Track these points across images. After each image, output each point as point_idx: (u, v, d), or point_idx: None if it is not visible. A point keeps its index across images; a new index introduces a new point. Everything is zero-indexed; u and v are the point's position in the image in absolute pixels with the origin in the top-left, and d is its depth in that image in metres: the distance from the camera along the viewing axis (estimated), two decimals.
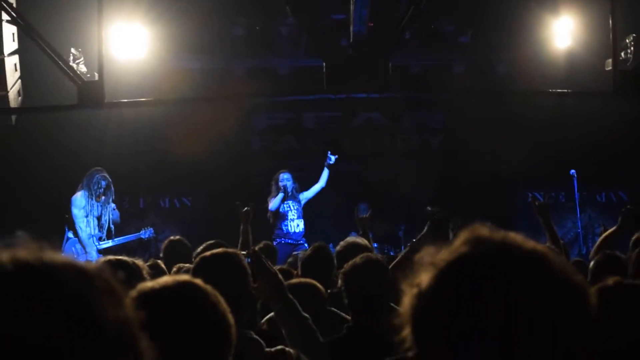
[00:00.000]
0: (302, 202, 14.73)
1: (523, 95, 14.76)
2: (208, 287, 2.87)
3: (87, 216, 13.59)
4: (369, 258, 5.40)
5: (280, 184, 14.54)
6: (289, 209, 14.55)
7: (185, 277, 3.10)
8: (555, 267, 1.70)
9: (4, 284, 1.41)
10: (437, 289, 1.68)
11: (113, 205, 13.84)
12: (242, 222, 9.64)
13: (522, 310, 1.62)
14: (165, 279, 2.90)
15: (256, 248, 7.01)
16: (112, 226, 13.77)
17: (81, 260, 13.00)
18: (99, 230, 13.69)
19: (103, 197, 13.62)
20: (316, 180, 15.16)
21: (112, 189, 13.73)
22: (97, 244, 13.56)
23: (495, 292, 1.63)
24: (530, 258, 1.71)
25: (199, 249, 5.04)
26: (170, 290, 2.77)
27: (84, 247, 13.53)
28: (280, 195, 14.45)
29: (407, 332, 1.72)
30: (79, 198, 13.56)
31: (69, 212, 13.58)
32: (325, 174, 14.91)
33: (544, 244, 8.00)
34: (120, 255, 10.19)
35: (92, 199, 13.59)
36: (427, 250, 1.77)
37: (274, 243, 13.09)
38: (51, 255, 1.49)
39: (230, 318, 2.84)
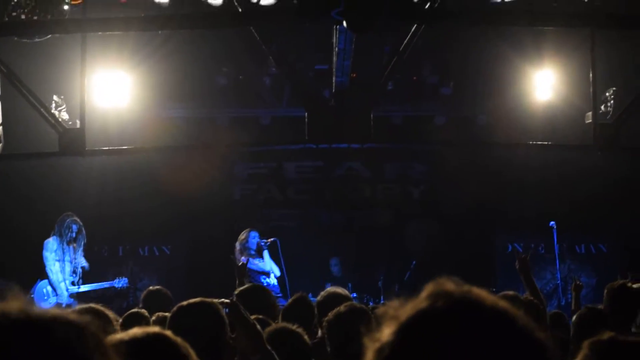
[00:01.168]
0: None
1: (504, 147, 14.81)
2: (178, 339, 2.80)
3: (60, 261, 13.52)
4: (353, 306, 5.33)
5: (255, 242, 14.02)
6: (268, 273, 14.11)
7: (155, 329, 3.02)
8: (518, 324, 1.65)
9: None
10: (397, 345, 1.64)
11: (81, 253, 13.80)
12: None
13: None
14: (135, 331, 2.83)
15: (236, 292, 6.95)
16: (80, 271, 13.69)
17: (51, 302, 12.95)
18: (72, 274, 13.60)
19: (75, 242, 13.58)
20: (296, 232, 14.94)
21: (84, 232, 13.68)
22: (68, 287, 13.48)
23: (456, 350, 1.58)
24: (493, 315, 1.66)
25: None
26: (139, 343, 2.70)
27: (54, 289, 13.46)
28: (267, 255, 14.07)
29: None
30: (51, 242, 13.57)
31: (41, 255, 13.54)
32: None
33: (524, 295, 8.00)
34: (97, 303, 10.15)
35: (64, 244, 13.55)
36: (390, 304, 1.73)
37: None
38: (42, 311, 1.55)
39: None
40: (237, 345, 4.62)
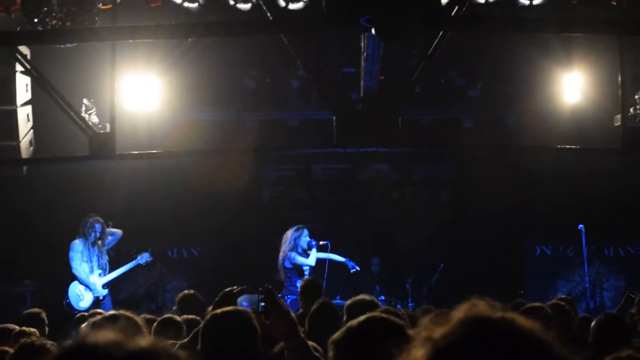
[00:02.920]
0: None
1: (532, 150, 14.77)
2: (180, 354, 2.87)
3: (87, 262, 13.66)
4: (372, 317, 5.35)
5: (307, 241, 14.15)
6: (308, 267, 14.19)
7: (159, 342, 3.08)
8: (551, 351, 1.67)
9: None
10: None
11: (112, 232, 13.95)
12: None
13: None
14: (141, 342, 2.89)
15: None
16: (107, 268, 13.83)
17: (88, 299, 13.10)
18: (100, 274, 13.72)
19: (99, 242, 13.71)
20: (325, 235, 15.00)
21: (106, 230, 13.84)
22: (97, 279, 13.62)
23: None
24: (527, 343, 1.67)
25: (218, 297, 4.95)
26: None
27: (86, 286, 13.60)
28: (314, 251, 14.14)
29: None
30: (77, 243, 13.76)
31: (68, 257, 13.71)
32: (338, 259, 14.69)
33: (551, 301, 7.98)
34: (127, 306, 10.27)
35: (89, 245, 13.68)
36: (424, 324, 1.74)
37: (287, 300, 12.90)
38: (136, 341, 1.62)
39: None
40: (272, 331, 4.66)
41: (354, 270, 14.55)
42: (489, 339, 1.65)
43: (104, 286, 13.68)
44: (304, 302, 9.87)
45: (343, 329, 3.24)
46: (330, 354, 3.25)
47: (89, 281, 13.65)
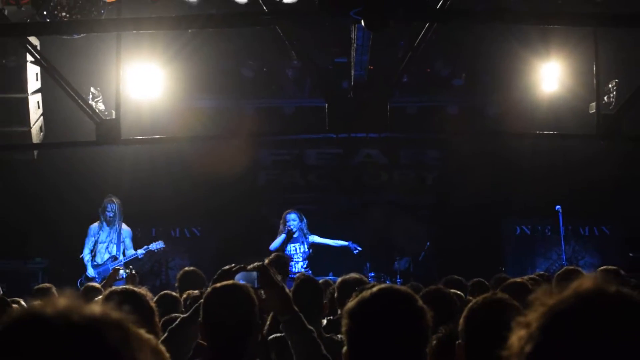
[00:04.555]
0: (309, 242, 14.23)
1: (512, 136, 14.80)
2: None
3: (104, 242, 13.69)
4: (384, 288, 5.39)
5: (287, 224, 14.12)
6: (295, 251, 14.10)
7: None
8: None
9: (54, 341, 1.44)
10: (549, 334, 1.60)
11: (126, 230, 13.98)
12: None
13: None
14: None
15: (267, 260, 7.01)
16: (123, 246, 13.84)
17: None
18: (117, 252, 13.75)
19: (114, 221, 13.73)
20: (319, 216, 15.05)
21: (121, 210, 13.87)
22: (93, 264, 13.66)
23: (613, 344, 1.54)
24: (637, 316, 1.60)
25: (217, 275, 4.99)
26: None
27: (85, 267, 13.64)
28: (282, 237, 14.09)
29: None
30: (93, 226, 13.75)
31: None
32: (340, 243, 14.66)
33: (529, 275, 7.99)
34: (134, 279, 10.30)
35: (103, 225, 13.72)
36: (540, 289, 1.69)
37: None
38: (91, 309, 1.52)
39: None
40: (268, 306, 4.68)
41: (357, 251, 14.56)
42: (606, 308, 1.60)
43: (123, 266, 13.72)
44: None
45: (356, 299, 3.29)
46: (344, 322, 3.29)
47: (88, 264, 13.70)
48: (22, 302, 8.68)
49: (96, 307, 1.52)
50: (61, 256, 15.43)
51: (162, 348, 3.16)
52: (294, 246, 14.07)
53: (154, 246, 13.90)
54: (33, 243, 15.79)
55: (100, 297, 5.83)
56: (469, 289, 8.77)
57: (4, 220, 15.71)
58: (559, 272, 7.50)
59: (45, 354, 1.42)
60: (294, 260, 13.93)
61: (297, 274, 10.44)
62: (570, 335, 1.57)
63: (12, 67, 11.07)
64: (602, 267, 8.41)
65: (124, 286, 5.52)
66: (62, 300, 1.50)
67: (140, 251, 13.80)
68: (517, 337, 1.64)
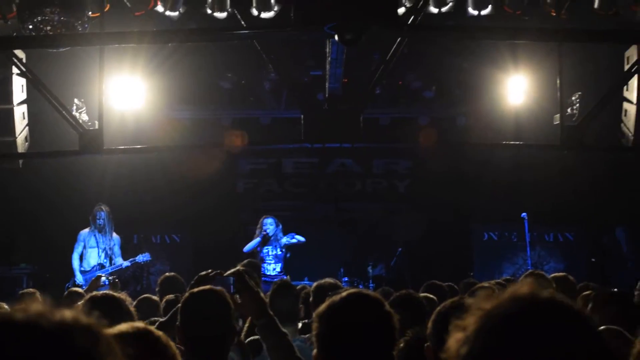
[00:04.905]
0: (281, 245, 14.37)
1: (480, 146, 14.91)
2: (160, 333, 2.93)
3: (94, 247, 13.68)
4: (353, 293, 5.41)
5: (264, 228, 14.30)
6: (267, 253, 14.29)
7: (140, 324, 3.16)
8: (595, 331, 1.66)
9: (21, 346, 1.41)
10: (483, 338, 1.61)
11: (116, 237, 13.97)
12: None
13: None
14: (123, 326, 2.93)
15: (239, 266, 7.02)
16: (113, 253, 13.82)
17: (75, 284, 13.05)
18: (105, 259, 13.73)
19: (104, 229, 13.72)
20: (295, 223, 15.14)
21: (110, 218, 13.85)
22: (80, 272, 13.61)
23: (543, 348, 1.57)
24: (574, 321, 1.64)
25: (194, 280, 5.00)
26: (126, 336, 2.81)
27: (74, 272, 13.60)
28: (257, 240, 14.24)
29: None
30: (82, 233, 13.75)
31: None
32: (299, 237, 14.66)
33: (497, 280, 8.03)
34: (116, 286, 10.27)
35: (94, 232, 13.71)
36: (481, 294, 1.72)
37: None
38: (61, 314, 1.47)
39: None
40: (243, 310, 4.70)
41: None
42: (538, 313, 1.62)
43: (108, 275, 13.66)
44: None
45: (326, 303, 3.32)
46: (315, 326, 3.33)
47: (75, 270, 13.67)
48: (5, 306, 8.67)
49: (67, 312, 1.48)
50: (46, 262, 15.39)
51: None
52: (266, 249, 14.19)
53: (141, 258, 13.90)
54: (19, 249, 15.74)
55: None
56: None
57: None
58: (522, 278, 7.58)
59: (12, 358, 1.39)
60: (266, 261, 14.07)
61: (276, 280, 10.48)
62: (503, 338, 1.59)
63: None
64: (531, 271, 8.43)
65: (104, 291, 5.51)
66: (33, 305, 1.48)
67: (126, 263, 13.80)
68: (454, 339, 1.66)
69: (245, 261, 10.47)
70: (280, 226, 14.40)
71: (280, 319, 4.55)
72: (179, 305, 4.60)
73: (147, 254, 13.96)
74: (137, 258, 13.86)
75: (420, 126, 16.72)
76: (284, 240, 14.30)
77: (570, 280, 8.34)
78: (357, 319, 3.27)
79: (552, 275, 8.65)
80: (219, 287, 4.64)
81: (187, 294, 4.59)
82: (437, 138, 12.18)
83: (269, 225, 14.23)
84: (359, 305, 3.31)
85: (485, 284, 7.20)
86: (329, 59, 9.66)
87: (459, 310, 3.69)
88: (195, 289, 4.58)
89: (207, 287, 4.63)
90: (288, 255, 14.39)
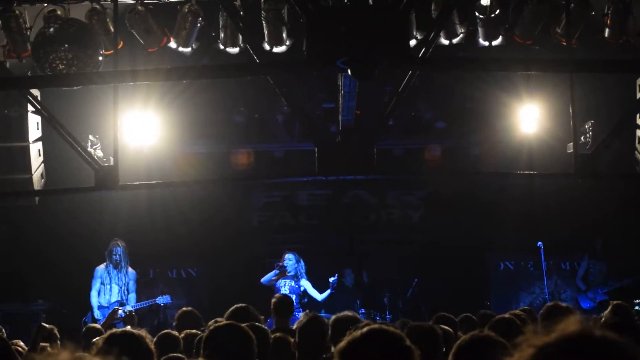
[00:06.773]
0: (301, 288, 14.48)
1: (493, 175, 14.88)
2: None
3: (108, 284, 13.74)
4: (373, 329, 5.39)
5: (284, 262, 14.42)
6: (282, 285, 14.38)
7: None
8: None
9: None
10: None
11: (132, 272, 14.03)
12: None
13: None
14: None
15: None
16: (131, 288, 13.89)
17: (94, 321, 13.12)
18: (123, 295, 13.79)
19: (120, 265, 13.79)
20: (310, 255, 15.16)
21: (127, 253, 13.94)
22: (99, 307, 13.66)
23: None
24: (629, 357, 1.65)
25: (227, 313, 4.97)
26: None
27: (92, 308, 13.67)
28: (274, 272, 14.34)
29: None
30: (99, 269, 13.84)
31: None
32: (326, 293, 14.67)
33: (514, 310, 7.98)
34: (132, 319, 10.31)
35: (110, 268, 13.77)
36: (529, 330, 1.74)
37: None
38: None
39: None
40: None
41: (334, 279, 14.60)
42: (589, 352, 1.64)
43: (120, 317, 13.68)
44: (277, 318, 9.98)
45: (346, 339, 3.30)
46: None
47: (94, 307, 13.74)
48: (21, 343, 8.70)
49: None
50: (62, 298, 15.41)
51: None
52: (284, 281, 14.23)
53: (161, 300, 14.00)
54: (35, 285, 15.75)
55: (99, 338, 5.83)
56: (459, 325, 8.79)
57: (6, 264, 15.70)
58: (543, 311, 7.52)
59: None
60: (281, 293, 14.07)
61: (304, 313, 10.49)
62: None
63: (15, 117, 11.15)
64: (555, 303, 8.37)
65: (124, 328, 5.52)
66: (63, 355, 1.47)
67: (145, 304, 13.89)
68: None
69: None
70: (302, 262, 14.47)
71: (308, 353, 4.52)
72: (204, 336, 4.60)
73: (167, 296, 14.06)
74: (157, 299, 13.94)
75: (433, 156, 16.73)
76: (303, 284, 14.36)
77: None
78: (378, 355, 3.26)
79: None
80: (242, 325, 4.63)
81: (212, 328, 4.60)
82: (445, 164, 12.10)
83: (288, 260, 14.34)
84: (380, 341, 3.29)
85: (505, 316, 7.17)
86: (342, 92, 9.69)
87: (480, 345, 3.70)
88: (220, 324, 4.60)
89: (230, 321, 4.64)
90: (304, 288, 14.41)
